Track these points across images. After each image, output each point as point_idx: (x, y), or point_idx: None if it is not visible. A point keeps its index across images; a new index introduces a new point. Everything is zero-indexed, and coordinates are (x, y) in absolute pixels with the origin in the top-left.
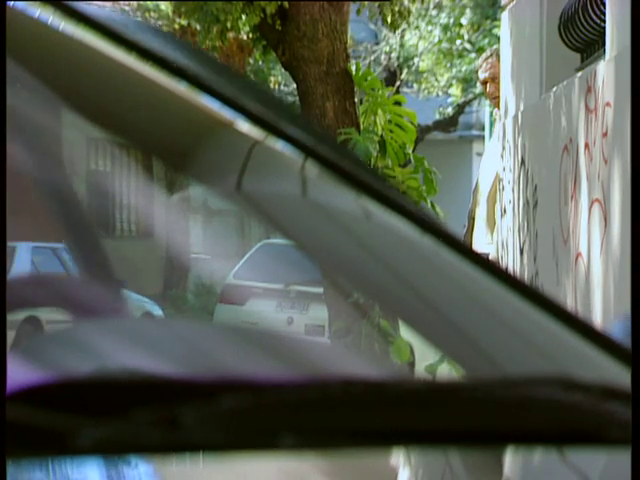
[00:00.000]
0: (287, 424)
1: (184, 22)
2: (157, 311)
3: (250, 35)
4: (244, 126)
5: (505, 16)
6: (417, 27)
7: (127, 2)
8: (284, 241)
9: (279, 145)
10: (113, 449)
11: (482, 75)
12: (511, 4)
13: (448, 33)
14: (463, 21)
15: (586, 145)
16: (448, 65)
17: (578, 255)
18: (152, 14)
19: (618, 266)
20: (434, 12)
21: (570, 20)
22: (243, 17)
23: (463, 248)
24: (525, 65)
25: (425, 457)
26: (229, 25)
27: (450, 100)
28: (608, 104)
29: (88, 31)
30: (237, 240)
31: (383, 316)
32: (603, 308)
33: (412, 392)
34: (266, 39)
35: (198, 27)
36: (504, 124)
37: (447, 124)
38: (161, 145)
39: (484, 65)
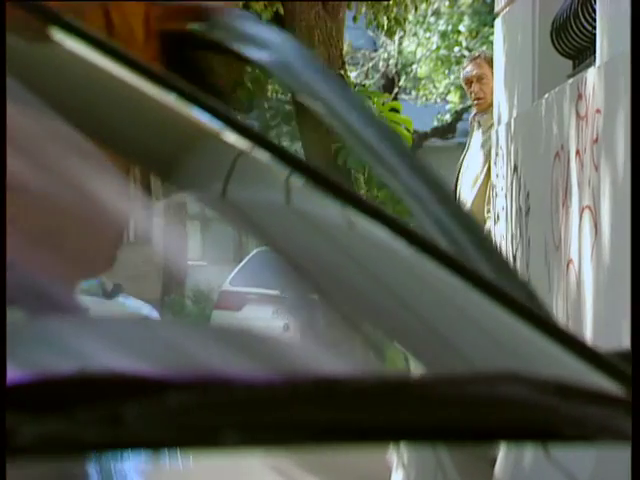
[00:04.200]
0: (232, 421)
1: None
2: (155, 316)
3: None
4: (230, 137)
5: (498, 23)
6: (415, 34)
7: None
8: None
9: (264, 155)
10: (54, 447)
11: (467, 74)
12: (504, 11)
13: (446, 40)
14: (461, 28)
15: (577, 152)
16: (446, 72)
17: (569, 262)
18: None
19: (608, 273)
20: (432, 19)
21: (562, 27)
22: None
23: (442, 254)
24: (518, 72)
25: (418, 459)
26: None
27: (448, 107)
28: (598, 111)
29: (75, 40)
30: (234, 246)
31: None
32: (594, 314)
33: (362, 389)
34: None
35: None
36: (497, 131)
37: (445, 131)
38: (146, 153)
39: (471, 65)
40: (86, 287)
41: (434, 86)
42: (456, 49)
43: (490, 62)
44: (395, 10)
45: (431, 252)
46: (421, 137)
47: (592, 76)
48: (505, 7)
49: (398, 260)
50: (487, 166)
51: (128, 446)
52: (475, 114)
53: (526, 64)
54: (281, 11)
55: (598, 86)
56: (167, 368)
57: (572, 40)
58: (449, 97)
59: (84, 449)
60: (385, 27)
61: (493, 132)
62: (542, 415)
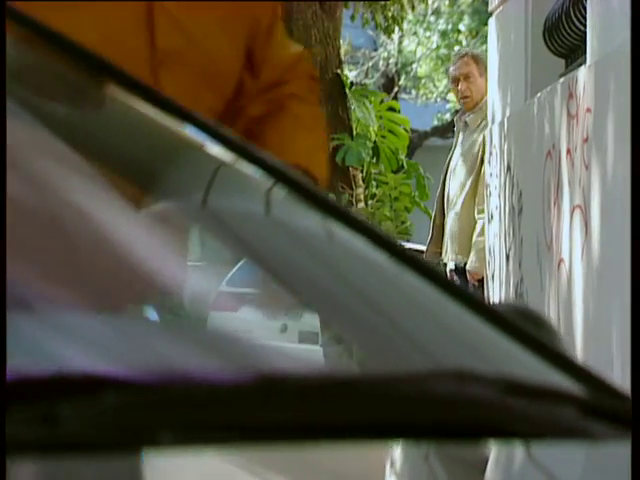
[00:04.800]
0: (166, 421)
1: None
2: (153, 316)
3: None
4: (213, 149)
5: (492, 22)
6: (415, 33)
7: None
8: None
9: (246, 167)
10: None
11: (454, 72)
12: (498, 9)
13: (446, 39)
14: (461, 27)
15: (568, 151)
16: (446, 71)
17: (560, 261)
18: None
19: (598, 272)
20: (432, 18)
21: (554, 26)
22: None
23: (421, 265)
24: (511, 71)
25: (410, 467)
26: None
27: (448, 106)
28: (588, 110)
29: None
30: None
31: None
32: (584, 313)
33: (308, 387)
34: None
35: None
36: (491, 130)
37: (445, 130)
38: (129, 163)
39: (458, 62)
40: None
41: (434, 85)
42: (456, 48)
43: (477, 60)
44: (392, 9)
45: (409, 262)
46: (421, 136)
47: (582, 75)
48: (499, 6)
49: (376, 269)
50: (477, 166)
51: (62, 446)
52: (462, 114)
53: (519, 63)
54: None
55: (588, 85)
56: (124, 367)
57: (564, 39)
58: (449, 96)
59: (19, 449)
60: (382, 26)
61: (487, 131)
62: (491, 412)
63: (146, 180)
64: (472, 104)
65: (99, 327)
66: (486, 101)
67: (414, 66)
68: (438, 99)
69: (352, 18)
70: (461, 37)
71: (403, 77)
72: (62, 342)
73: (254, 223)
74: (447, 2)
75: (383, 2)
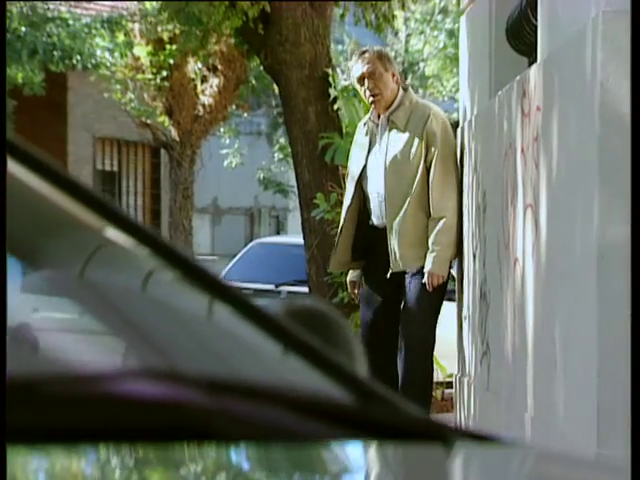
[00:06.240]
0: None
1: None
2: None
3: (232, 39)
4: (99, 225)
5: (463, 20)
6: (422, 32)
7: (125, 6)
8: (276, 240)
9: (130, 245)
10: None
11: (358, 72)
12: (468, 9)
13: (453, 38)
14: None
15: (522, 150)
16: (454, 70)
17: (515, 260)
18: (151, 19)
19: (546, 271)
20: (439, 17)
21: (515, 24)
22: (226, 21)
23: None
24: (478, 69)
25: None
26: (211, 29)
27: (456, 105)
28: (538, 108)
29: None
30: (245, 240)
31: None
32: (535, 315)
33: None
34: (248, 43)
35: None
36: (462, 128)
37: (453, 129)
38: (15, 238)
39: (360, 62)
40: None
41: (442, 84)
42: None
43: (380, 56)
44: (383, 8)
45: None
46: None
47: (533, 73)
48: (468, 5)
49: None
50: (422, 167)
51: None
52: (378, 113)
53: (485, 61)
54: (267, 8)
55: (538, 83)
56: None
57: (525, 37)
58: (457, 95)
59: None
60: (373, 25)
61: (459, 130)
62: (192, 413)
63: (26, 251)
64: (385, 102)
65: None
66: (406, 96)
67: (421, 65)
68: (446, 98)
69: (341, 17)
70: None
71: (410, 76)
72: None
73: (128, 297)
74: (454, 1)
75: (372, 1)
